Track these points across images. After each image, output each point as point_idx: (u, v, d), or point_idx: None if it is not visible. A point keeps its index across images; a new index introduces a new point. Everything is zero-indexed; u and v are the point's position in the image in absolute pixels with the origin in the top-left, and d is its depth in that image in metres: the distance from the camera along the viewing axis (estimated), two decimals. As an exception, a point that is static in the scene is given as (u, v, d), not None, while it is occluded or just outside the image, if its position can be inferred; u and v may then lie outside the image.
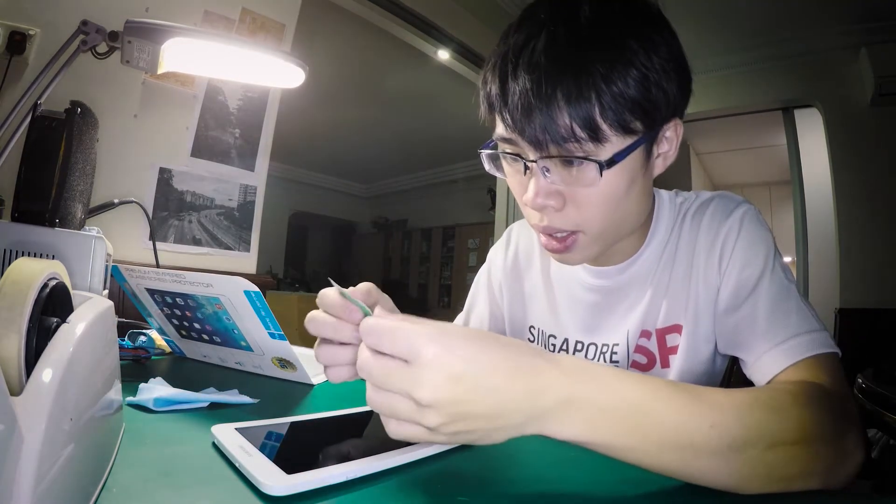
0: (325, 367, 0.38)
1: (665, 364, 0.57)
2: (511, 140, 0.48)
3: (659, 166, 0.52)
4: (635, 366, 0.59)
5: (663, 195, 0.61)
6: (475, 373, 0.29)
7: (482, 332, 0.32)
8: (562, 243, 0.51)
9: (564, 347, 0.64)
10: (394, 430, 0.30)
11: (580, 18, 0.45)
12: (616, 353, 0.59)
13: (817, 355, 0.45)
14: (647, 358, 0.58)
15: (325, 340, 0.37)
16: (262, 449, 0.33)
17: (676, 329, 0.56)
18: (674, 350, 0.57)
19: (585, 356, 0.62)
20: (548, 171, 0.47)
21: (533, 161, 0.46)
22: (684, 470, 0.32)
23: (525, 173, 0.48)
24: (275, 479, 0.29)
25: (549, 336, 0.66)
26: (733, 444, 0.32)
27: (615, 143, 0.45)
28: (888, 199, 2.36)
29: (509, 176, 0.52)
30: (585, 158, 0.45)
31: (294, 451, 0.36)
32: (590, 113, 0.43)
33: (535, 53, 0.44)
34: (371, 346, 0.30)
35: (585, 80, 0.43)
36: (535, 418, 0.30)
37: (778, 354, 0.47)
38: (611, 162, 0.45)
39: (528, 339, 0.69)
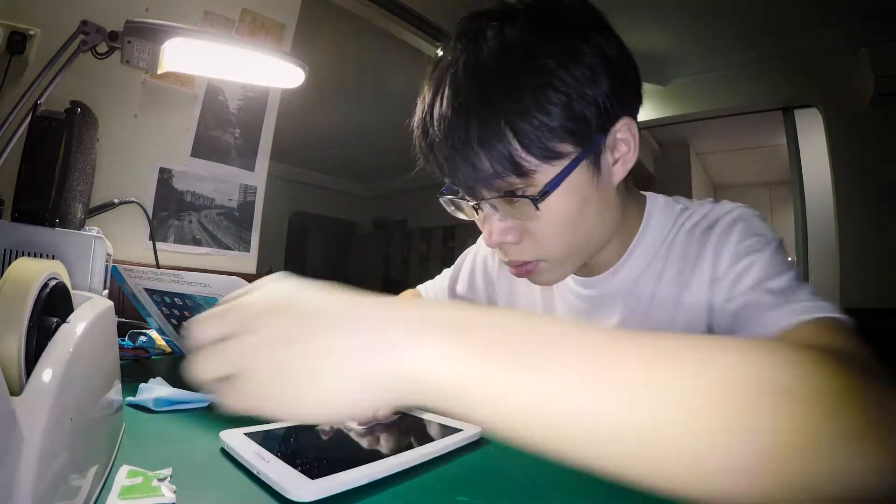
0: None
1: None
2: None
3: (619, 172, 0.48)
4: None
5: (659, 200, 0.57)
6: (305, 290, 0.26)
7: None
8: (524, 268, 0.50)
9: None
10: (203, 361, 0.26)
11: (483, 51, 0.43)
12: None
13: (827, 318, 0.40)
14: None
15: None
16: (277, 454, 0.33)
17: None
18: None
19: None
20: (495, 209, 0.47)
21: (474, 204, 0.47)
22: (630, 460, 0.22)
23: (478, 214, 0.49)
24: (300, 485, 0.29)
25: None
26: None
27: (546, 171, 0.43)
28: (888, 199, 2.35)
29: (469, 217, 0.52)
30: (514, 196, 0.44)
31: (308, 454, 0.36)
32: (508, 151, 0.42)
33: (444, 106, 0.44)
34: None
35: (495, 121, 0.41)
36: (380, 334, 0.23)
37: (778, 316, 0.41)
38: (543, 193, 0.43)
39: None
